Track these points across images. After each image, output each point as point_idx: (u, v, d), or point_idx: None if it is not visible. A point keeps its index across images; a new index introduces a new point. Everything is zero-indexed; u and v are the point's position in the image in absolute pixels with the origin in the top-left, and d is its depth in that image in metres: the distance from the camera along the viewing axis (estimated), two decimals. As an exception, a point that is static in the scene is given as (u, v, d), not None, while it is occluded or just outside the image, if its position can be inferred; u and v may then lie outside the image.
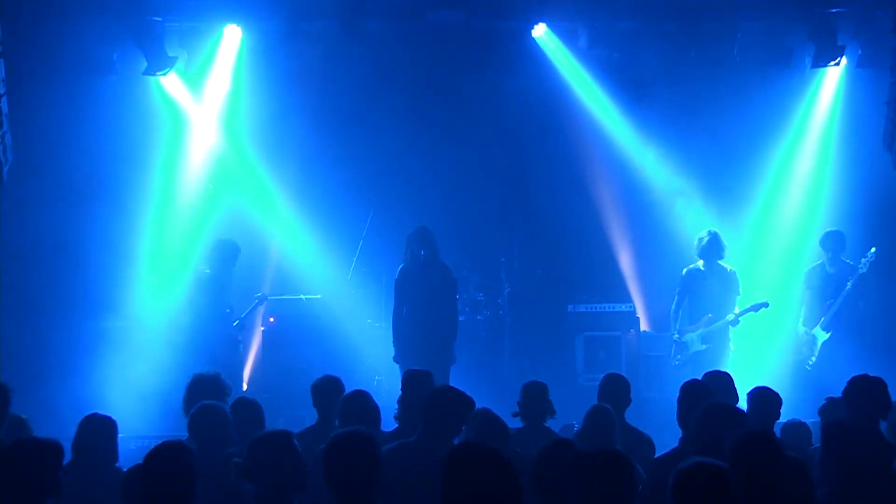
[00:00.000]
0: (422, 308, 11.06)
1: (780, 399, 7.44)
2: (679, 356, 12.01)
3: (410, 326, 11.11)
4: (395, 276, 11.31)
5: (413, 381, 7.96)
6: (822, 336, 11.91)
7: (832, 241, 12.03)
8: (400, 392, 7.93)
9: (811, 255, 13.01)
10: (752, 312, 11.90)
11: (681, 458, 5.31)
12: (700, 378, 7.59)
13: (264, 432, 5.96)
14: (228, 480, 6.19)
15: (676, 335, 12.06)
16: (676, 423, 6.93)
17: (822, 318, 11.91)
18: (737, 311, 11.89)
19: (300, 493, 5.57)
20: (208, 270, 11.95)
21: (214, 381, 7.75)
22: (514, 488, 4.29)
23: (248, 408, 7.39)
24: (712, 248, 11.94)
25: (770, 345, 12.71)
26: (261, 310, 12.72)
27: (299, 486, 5.54)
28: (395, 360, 11.17)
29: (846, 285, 11.78)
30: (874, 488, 6.02)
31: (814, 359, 11.97)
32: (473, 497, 4.23)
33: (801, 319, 12.24)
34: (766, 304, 11.92)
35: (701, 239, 12.02)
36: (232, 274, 12.05)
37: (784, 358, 12.51)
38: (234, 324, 12.05)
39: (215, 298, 11.88)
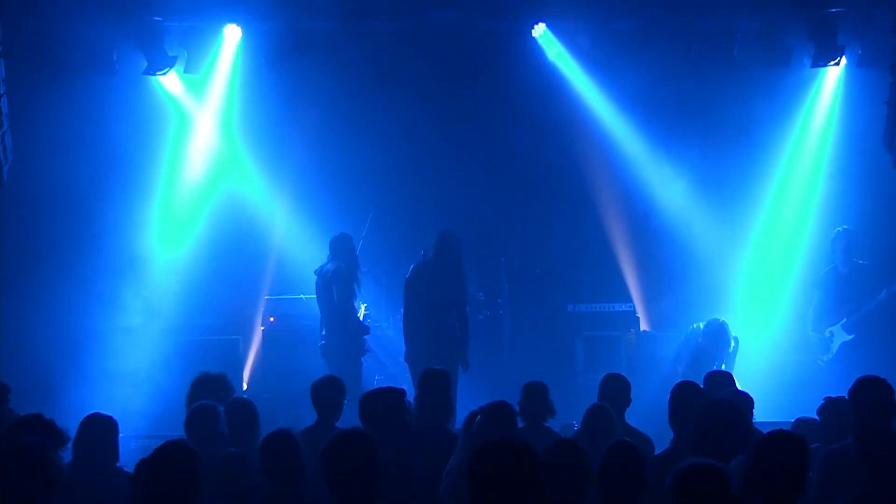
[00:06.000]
0: (427, 311, 11.04)
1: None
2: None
3: (419, 329, 11.10)
4: (407, 275, 11.32)
5: (429, 380, 7.96)
6: (843, 336, 11.94)
7: (844, 240, 12.05)
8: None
9: (810, 254, 13.06)
10: None
11: (675, 459, 5.33)
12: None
13: (275, 430, 6.24)
14: (238, 479, 6.32)
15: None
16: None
17: (844, 320, 11.95)
18: None
19: (305, 485, 5.88)
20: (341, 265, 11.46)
21: (219, 381, 7.76)
22: (539, 478, 4.29)
23: (243, 408, 7.39)
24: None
25: (770, 343, 12.72)
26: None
27: (304, 478, 5.91)
28: (405, 359, 11.16)
29: (868, 288, 11.87)
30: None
31: (827, 356, 11.99)
32: (501, 494, 4.23)
33: (809, 323, 12.26)
34: None
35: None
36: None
37: (787, 357, 12.55)
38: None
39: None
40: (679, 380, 11.58)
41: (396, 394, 7.25)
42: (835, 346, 11.99)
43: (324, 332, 11.50)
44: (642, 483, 5.47)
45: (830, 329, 12.05)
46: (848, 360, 11.68)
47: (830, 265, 12.20)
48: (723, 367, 11.65)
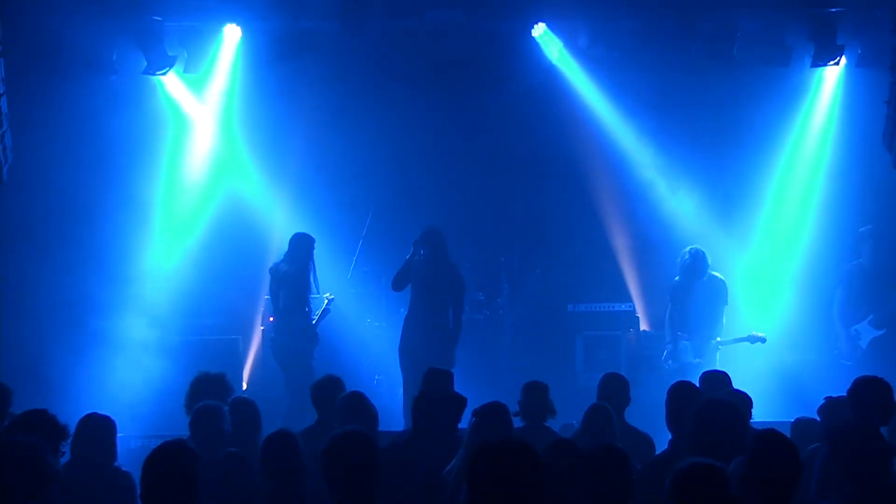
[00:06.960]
0: (423, 308, 11.07)
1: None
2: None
3: (411, 324, 11.12)
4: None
5: (431, 379, 7.96)
6: (871, 333, 11.93)
7: (872, 238, 12.12)
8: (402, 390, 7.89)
9: (810, 254, 13.06)
10: None
11: (673, 459, 5.32)
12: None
13: (275, 430, 6.26)
14: (238, 479, 6.33)
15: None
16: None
17: (871, 316, 11.95)
18: None
19: (305, 485, 5.89)
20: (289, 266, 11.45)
21: (219, 381, 7.77)
22: (540, 480, 4.30)
23: (244, 408, 7.40)
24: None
25: (770, 342, 12.71)
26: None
27: (304, 478, 5.93)
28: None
29: (893, 284, 11.87)
30: (876, 491, 6.00)
31: (853, 357, 11.98)
32: (501, 494, 4.24)
33: (836, 320, 12.29)
34: None
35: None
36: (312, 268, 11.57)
37: (787, 357, 12.56)
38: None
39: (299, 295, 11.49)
40: (677, 326, 11.70)
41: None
42: (864, 343, 11.99)
43: (273, 335, 11.60)
44: (628, 486, 5.44)
45: (856, 327, 12.05)
46: (879, 355, 11.69)
47: (854, 261, 12.25)
48: (717, 318, 11.64)
